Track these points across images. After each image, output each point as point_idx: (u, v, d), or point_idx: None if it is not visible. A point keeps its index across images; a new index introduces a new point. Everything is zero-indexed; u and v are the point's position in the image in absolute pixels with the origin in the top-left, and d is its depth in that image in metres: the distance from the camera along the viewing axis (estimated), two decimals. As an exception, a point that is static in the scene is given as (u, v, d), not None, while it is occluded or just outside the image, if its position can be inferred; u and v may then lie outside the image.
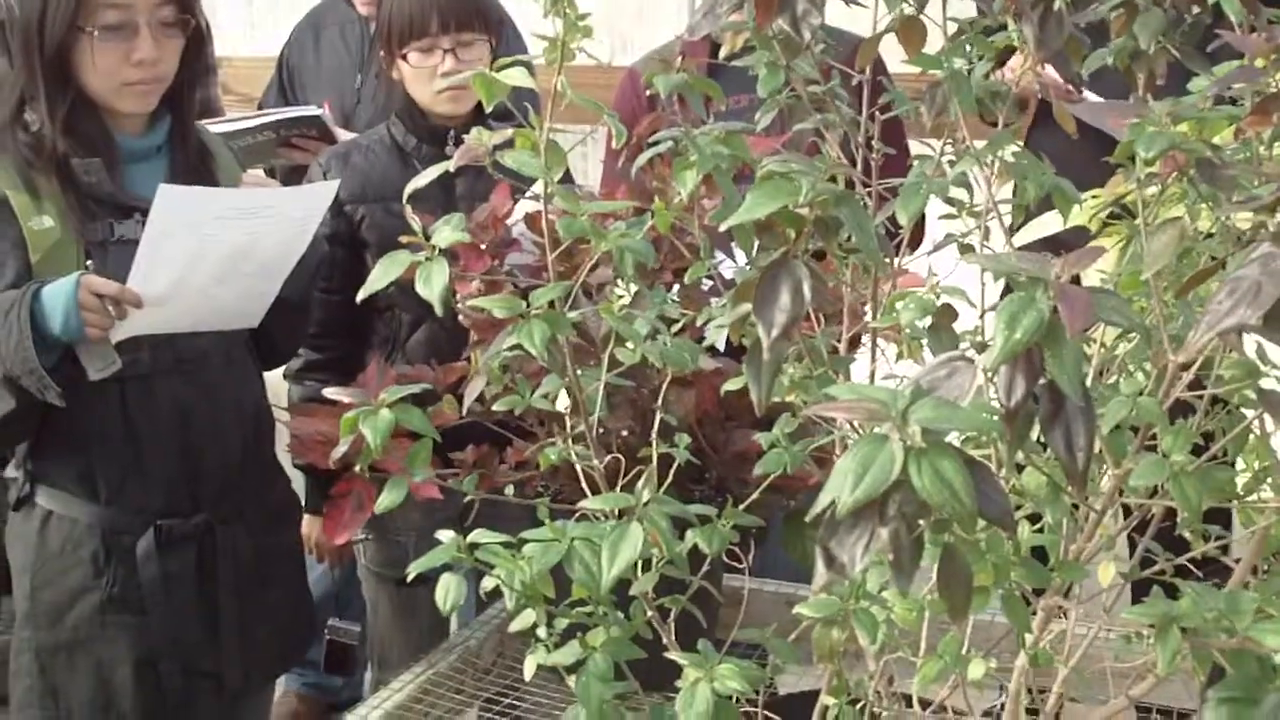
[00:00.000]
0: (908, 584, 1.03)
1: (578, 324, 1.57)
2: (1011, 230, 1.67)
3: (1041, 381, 1.07)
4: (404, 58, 3.06)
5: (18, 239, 2.43)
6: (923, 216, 1.59)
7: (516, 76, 1.42)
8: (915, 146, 1.76)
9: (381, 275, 1.45)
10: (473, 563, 1.46)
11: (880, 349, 1.67)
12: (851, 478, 0.97)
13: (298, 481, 2.94)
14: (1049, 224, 2.07)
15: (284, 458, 2.81)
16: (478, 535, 1.46)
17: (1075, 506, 1.45)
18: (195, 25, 2.55)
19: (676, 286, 2.21)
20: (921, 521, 1.02)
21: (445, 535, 1.47)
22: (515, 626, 1.52)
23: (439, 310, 1.44)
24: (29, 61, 2.47)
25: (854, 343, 1.74)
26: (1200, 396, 1.47)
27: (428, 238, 1.46)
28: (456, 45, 3.03)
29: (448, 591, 1.48)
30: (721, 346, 1.64)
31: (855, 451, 0.98)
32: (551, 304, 1.47)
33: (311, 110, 3.58)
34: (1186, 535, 1.59)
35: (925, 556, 1.08)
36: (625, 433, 2.28)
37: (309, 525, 3.03)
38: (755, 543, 2.43)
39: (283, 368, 3.06)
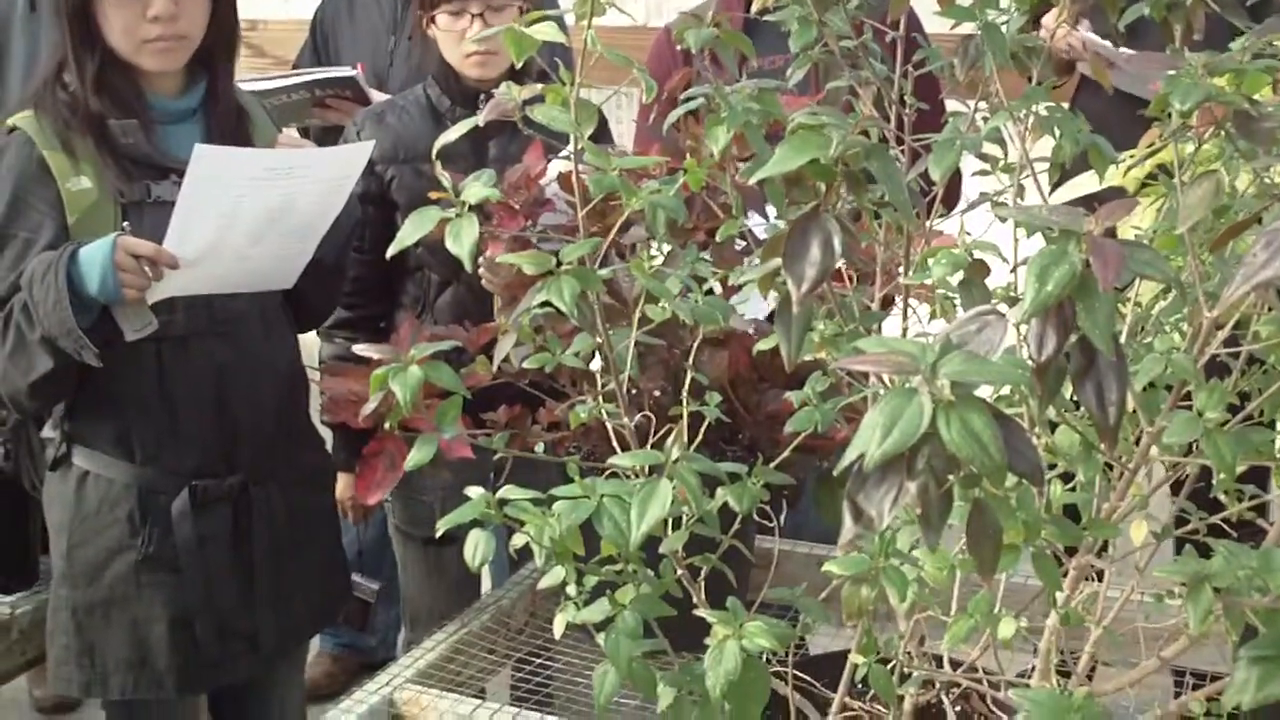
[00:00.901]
0: (936, 539, 1.02)
1: (609, 282, 1.57)
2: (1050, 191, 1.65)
3: (1073, 336, 1.06)
4: (434, 20, 3.05)
5: (55, 200, 2.44)
6: (958, 176, 1.58)
7: (547, 31, 1.42)
8: (952, 106, 1.75)
9: (411, 231, 1.45)
10: (501, 520, 1.46)
11: (913, 308, 1.66)
12: (880, 430, 0.97)
13: (329, 441, 2.95)
14: (1084, 185, 2.05)
15: (318, 419, 2.82)
16: (507, 491, 1.46)
17: (1109, 465, 1.44)
18: None
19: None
20: (950, 477, 1.01)
21: (474, 491, 1.47)
22: (544, 584, 1.52)
23: (468, 266, 1.44)
24: (59, 21, 2.49)
25: (886, 302, 1.73)
26: (1236, 355, 1.46)
27: (458, 194, 1.45)
28: (486, 9, 3.01)
29: (476, 547, 1.47)
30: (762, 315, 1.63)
31: (883, 404, 0.97)
32: (582, 260, 1.47)
33: (346, 71, 3.58)
34: (1221, 496, 1.58)
35: (955, 514, 1.08)
36: (657, 393, 2.27)
37: (341, 485, 3.03)
38: (787, 504, 2.43)
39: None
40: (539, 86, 1.44)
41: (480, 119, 1.46)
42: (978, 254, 1.33)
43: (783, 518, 3.30)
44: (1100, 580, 1.63)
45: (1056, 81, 1.69)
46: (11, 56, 3.71)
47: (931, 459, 0.98)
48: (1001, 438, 0.97)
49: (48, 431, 2.61)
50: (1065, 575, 1.47)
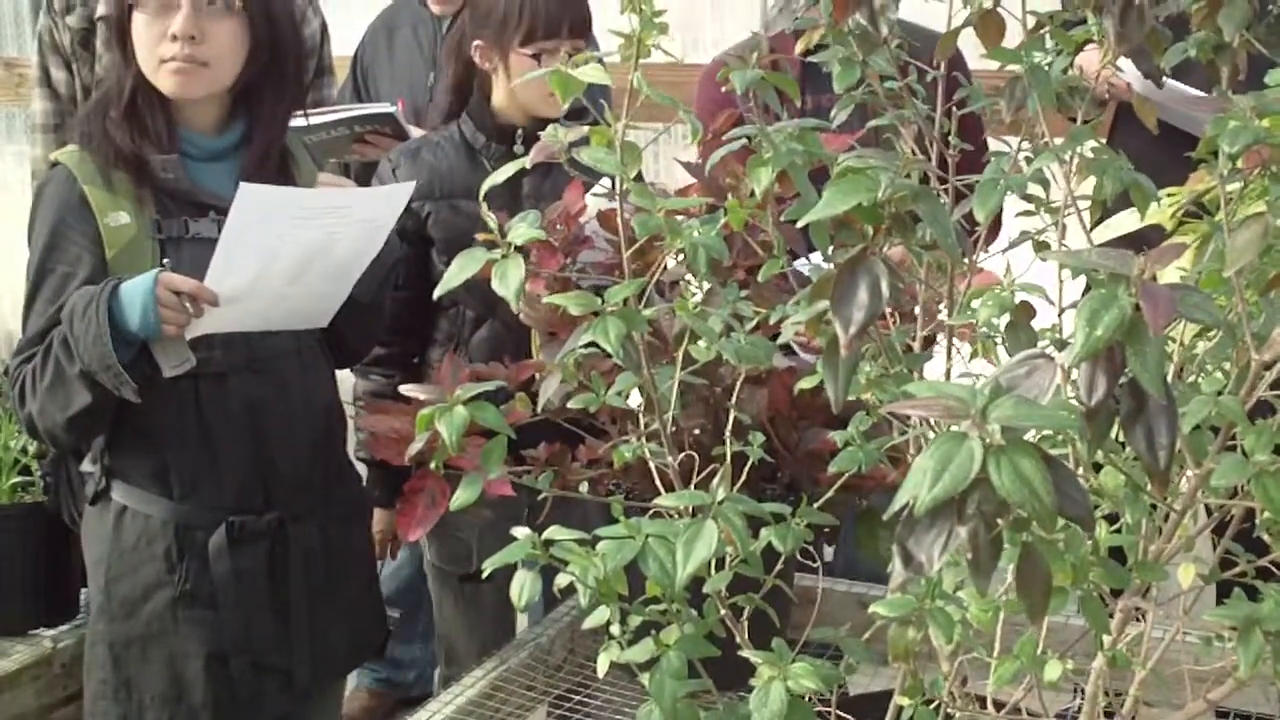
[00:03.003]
0: (986, 583, 1.02)
1: (651, 321, 1.57)
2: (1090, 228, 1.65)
3: (1122, 380, 1.06)
4: (531, 56, 3.04)
5: (94, 235, 2.46)
6: (998, 213, 1.58)
7: (593, 73, 1.42)
8: (994, 143, 1.75)
9: (458, 272, 1.45)
10: (546, 559, 1.46)
11: (955, 347, 1.66)
12: (930, 475, 0.96)
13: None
14: (1124, 222, 2.05)
15: (354, 455, 2.83)
16: (553, 532, 1.46)
17: (1154, 506, 1.43)
18: (258, 18, 2.53)
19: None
20: (1000, 521, 1.01)
21: (520, 532, 1.47)
22: (589, 624, 1.52)
23: (514, 307, 1.44)
24: (109, 47, 2.51)
25: (927, 341, 1.73)
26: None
27: (503, 235, 1.46)
28: (574, 51, 3.02)
29: (523, 588, 1.47)
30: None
31: (934, 449, 0.97)
32: (626, 301, 1.47)
33: (385, 107, 3.61)
34: (1264, 537, 1.57)
35: (1003, 557, 1.07)
36: (697, 430, 2.27)
37: (378, 520, 3.03)
38: (827, 542, 2.43)
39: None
40: (584, 128, 1.44)
41: (528, 162, 1.47)
42: (1022, 295, 1.33)
43: (828, 553, 3.31)
44: (1143, 621, 1.62)
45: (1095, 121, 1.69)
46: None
47: (982, 504, 0.98)
48: (1052, 482, 0.97)
49: (87, 466, 2.62)
50: (1111, 617, 1.46)
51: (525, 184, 3.04)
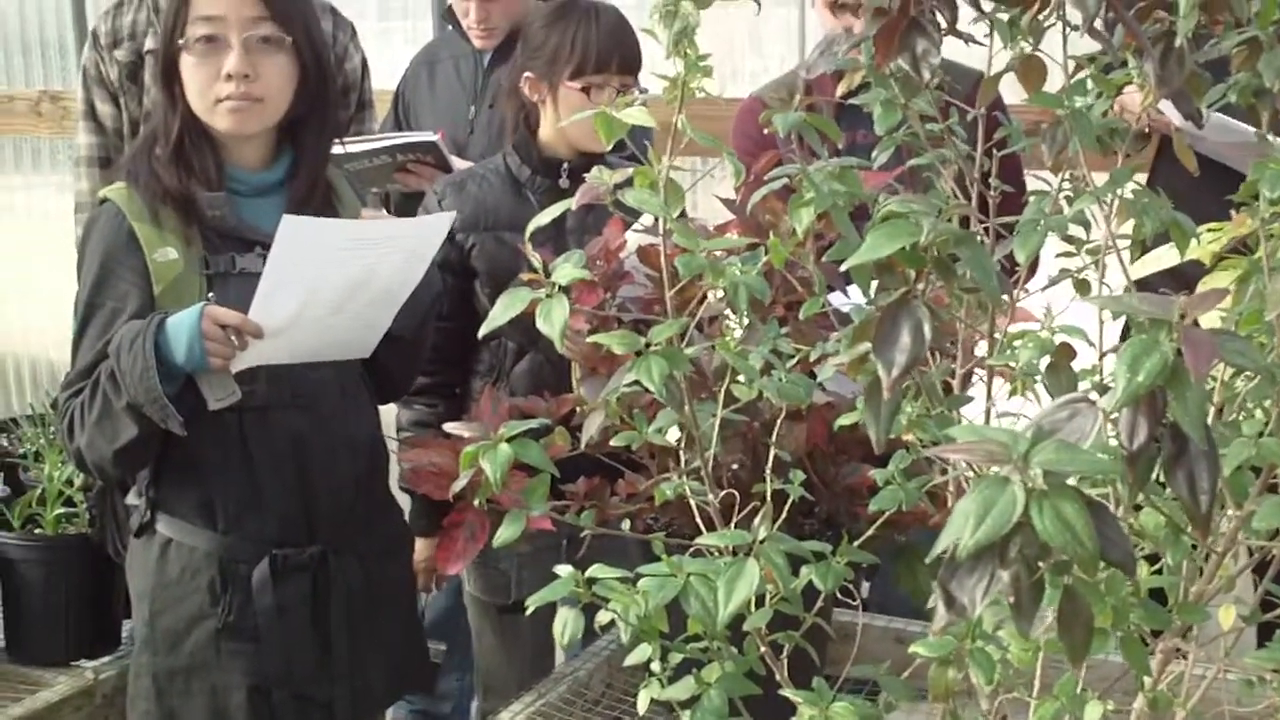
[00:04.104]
0: (1029, 626, 1.02)
1: (692, 359, 1.58)
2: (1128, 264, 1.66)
3: (1163, 423, 1.06)
4: (581, 90, 3.06)
5: (143, 270, 2.48)
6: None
7: (638, 116, 1.44)
8: (1031, 180, 1.75)
9: (502, 312, 1.47)
10: (589, 597, 1.47)
11: (993, 387, 1.67)
12: (973, 520, 0.97)
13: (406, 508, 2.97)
14: (1164, 258, 2.05)
15: (397, 490, 2.84)
16: (595, 570, 1.47)
17: (1194, 547, 1.44)
18: (306, 52, 2.56)
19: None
20: (1042, 564, 1.02)
21: (563, 570, 1.49)
22: (630, 660, 1.53)
23: (559, 346, 1.46)
24: (156, 87, 2.54)
25: (965, 378, 1.74)
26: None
27: (548, 274, 1.48)
28: (623, 87, 3.05)
29: (565, 625, 1.49)
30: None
31: (976, 493, 0.98)
32: (669, 340, 1.49)
33: (427, 136, 3.62)
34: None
35: (1045, 599, 1.08)
36: (736, 466, 2.28)
37: (419, 550, 3.04)
38: (865, 578, 2.43)
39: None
40: (629, 170, 1.46)
41: (574, 203, 1.48)
42: (1063, 337, 1.34)
43: (864, 589, 3.31)
44: (1186, 660, 1.62)
45: (1137, 156, 1.70)
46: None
47: (1024, 547, 0.99)
48: (1094, 526, 0.97)
49: (132, 499, 2.64)
50: (1152, 656, 1.46)
51: (569, 219, 3.05)
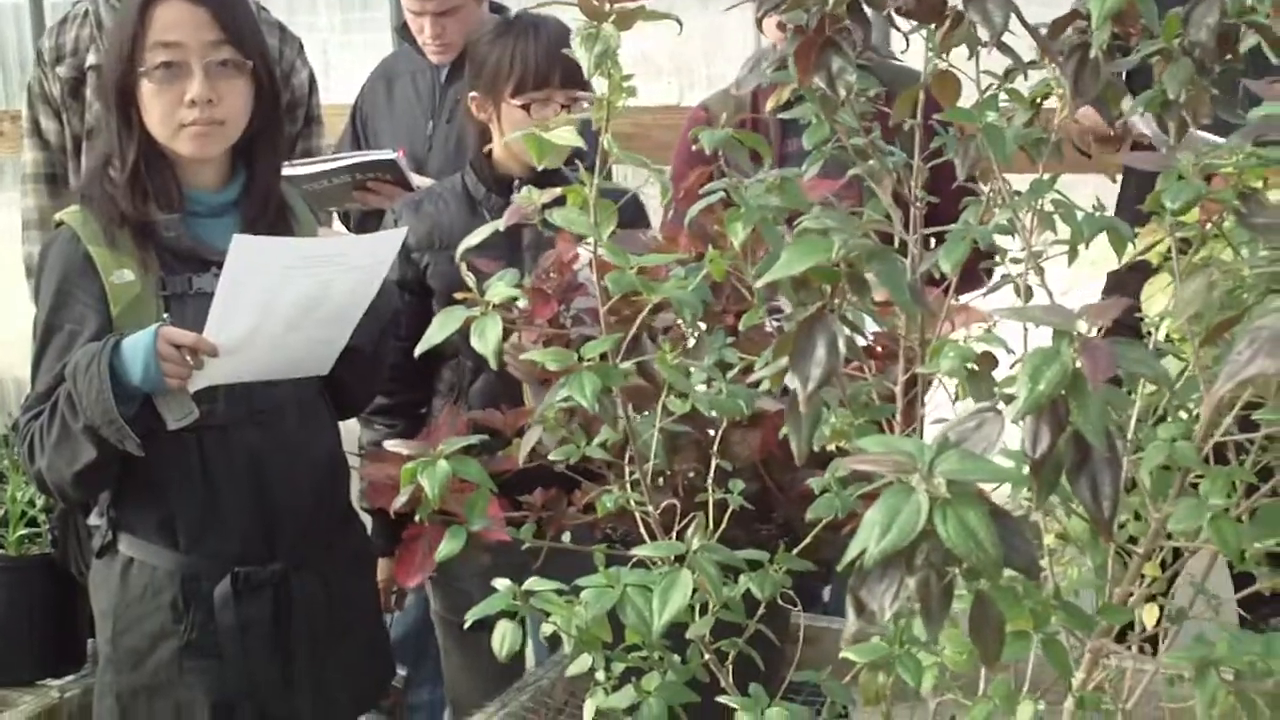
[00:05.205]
0: (937, 630, 1.05)
1: (643, 365, 1.60)
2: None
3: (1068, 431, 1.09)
4: (521, 106, 3.07)
5: (99, 293, 2.50)
6: (977, 256, 1.61)
7: (566, 136, 1.47)
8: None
9: (438, 330, 1.50)
10: (529, 610, 1.49)
11: (943, 385, 1.69)
12: (879, 529, 1.00)
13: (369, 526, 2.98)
14: (1099, 261, 2.08)
15: (358, 504, 2.86)
16: (533, 583, 1.50)
17: (1119, 550, 1.47)
18: (262, 73, 2.59)
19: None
20: (951, 569, 1.04)
21: (501, 583, 1.51)
22: (572, 671, 1.56)
23: (493, 363, 1.48)
24: (106, 110, 2.56)
25: (912, 383, 1.76)
26: (1252, 437, 1.47)
27: (483, 293, 1.50)
28: (569, 101, 3.06)
29: (504, 637, 1.51)
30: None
31: (882, 502, 1.01)
32: (604, 356, 1.51)
33: (387, 154, 3.62)
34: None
35: (964, 603, 1.11)
36: (692, 474, 2.30)
37: (382, 569, 3.06)
38: (822, 581, 2.44)
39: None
40: (557, 191, 1.48)
41: (501, 224, 1.51)
42: (983, 346, 1.37)
43: (826, 592, 3.33)
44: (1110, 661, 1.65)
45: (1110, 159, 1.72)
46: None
47: (930, 554, 1.02)
48: (997, 533, 1.00)
49: (94, 519, 2.66)
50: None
51: (525, 235, 3.07)
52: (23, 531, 2.99)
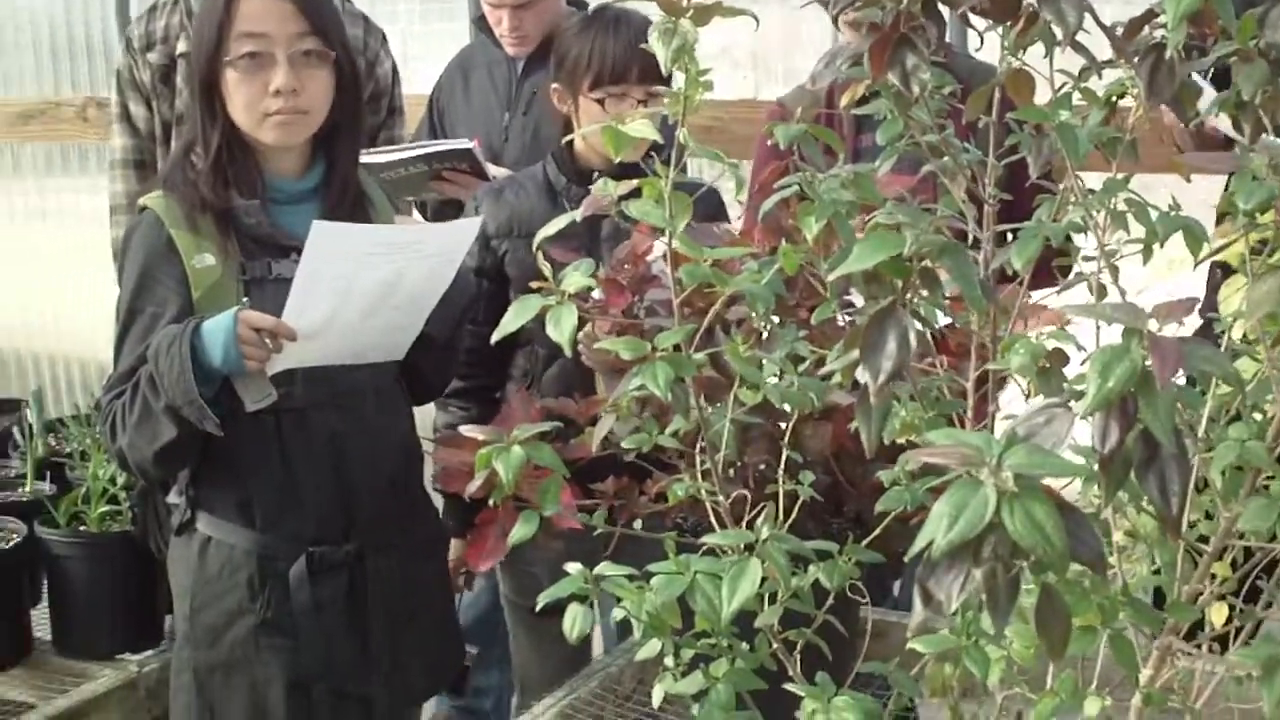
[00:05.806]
0: (1003, 622, 1.06)
1: (715, 356, 1.62)
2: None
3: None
4: (597, 100, 3.10)
5: (181, 276, 2.54)
6: (1049, 254, 1.62)
7: (643, 129, 1.48)
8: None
9: (514, 319, 1.52)
10: (598, 595, 1.52)
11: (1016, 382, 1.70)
12: (946, 520, 1.01)
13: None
14: (1175, 261, 2.08)
15: (431, 487, 2.89)
16: (604, 568, 1.52)
17: (1189, 549, 1.47)
18: (344, 64, 2.63)
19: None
20: (1018, 562, 1.06)
21: (573, 568, 1.53)
22: (641, 655, 1.58)
23: (568, 351, 1.50)
24: (192, 98, 2.61)
25: (982, 381, 1.77)
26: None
27: (558, 282, 1.52)
28: (646, 96, 3.08)
29: (574, 621, 1.53)
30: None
31: (950, 495, 1.02)
32: (678, 346, 1.53)
33: (463, 143, 3.64)
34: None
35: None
36: (762, 465, 2.32)
37: (453, 551, 3.09)
38: (897, 574, 2.44)
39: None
40: (634, 182, 1.50)
41: (578, 215, 1.53)
42: (1054, 343, 1.37)
43: (897, 586, 3.33)
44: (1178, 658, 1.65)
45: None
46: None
47: (997, 547, 1.03)
48: (1064, 527, 1.01)
49: (173, 498, 2.70)
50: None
51: (604, 226, 3.09)
52: (104, 509, 3.04)
